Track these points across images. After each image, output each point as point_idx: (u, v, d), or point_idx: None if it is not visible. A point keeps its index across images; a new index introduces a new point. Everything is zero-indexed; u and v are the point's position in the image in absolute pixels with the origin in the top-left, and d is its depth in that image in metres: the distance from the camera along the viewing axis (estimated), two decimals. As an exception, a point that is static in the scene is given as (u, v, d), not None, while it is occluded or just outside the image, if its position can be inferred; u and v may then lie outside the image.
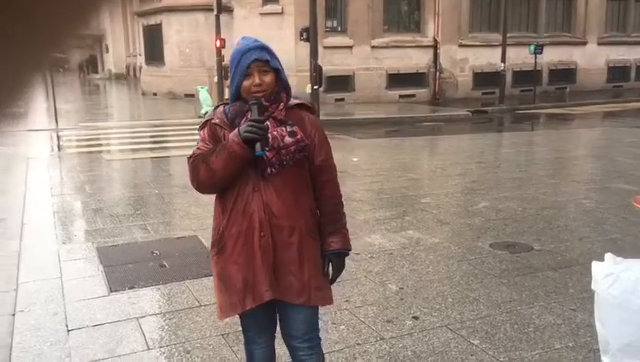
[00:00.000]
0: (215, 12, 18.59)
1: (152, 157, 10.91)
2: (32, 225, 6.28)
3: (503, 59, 20.53)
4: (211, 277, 2.54)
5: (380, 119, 17.69)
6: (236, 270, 2.35)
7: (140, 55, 29.92)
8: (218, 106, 2.54)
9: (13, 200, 7.48)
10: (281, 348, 2.82)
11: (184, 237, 5.79)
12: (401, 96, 22.86)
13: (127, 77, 41.63)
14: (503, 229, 5.91)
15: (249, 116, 2.31)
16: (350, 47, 22.04)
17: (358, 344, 3.55)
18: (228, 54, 2.80)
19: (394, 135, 14.73)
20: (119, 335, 3.69)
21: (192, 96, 18.64)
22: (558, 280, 4.51)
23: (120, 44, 42.97)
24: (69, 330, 3.76)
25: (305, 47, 16.64)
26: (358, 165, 9.69)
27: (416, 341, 3.57)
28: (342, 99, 21.94)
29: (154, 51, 26.04)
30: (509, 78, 23.09)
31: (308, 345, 2.53)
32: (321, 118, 15.20)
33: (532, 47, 20.95)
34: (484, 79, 24.05)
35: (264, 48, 2.34)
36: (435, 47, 23.38)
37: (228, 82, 2.50)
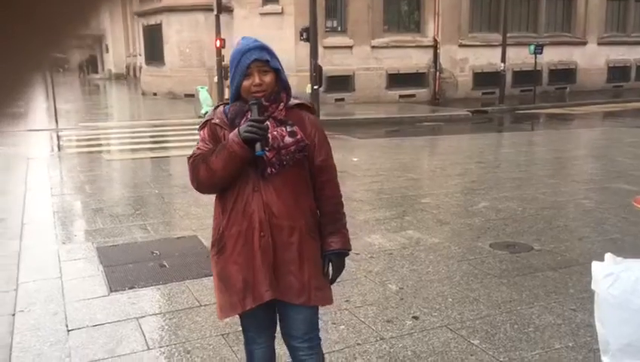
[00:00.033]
0: (215, 12, 18.59)
1: (151, 157, 10.91)
2: (32, 225, 6.28)
3: (503, 59, 20.53)
4: (211, 277, 2.55)
5: (380, 119, 17.68)
6: (236, 270, 2.35)
7: (140, 55, 29.92)
8: (218, 106, 2.55)
9: (13, 200, 7.49)
10: (281, 348, 2.82)
11: (184, 237, 5.80)
12: (401, 96, 22.86)
13: (127, 77, 41.63)
14: (502, 229, 5.91)
15: (249, 116, 2.31)
16: (350, 47, 22.04)
17: (358, 344, 3.55)
18: (228, 54, 2.80)
19: (394, 135, 14.73)
20: (119, 335, 3.69)
21: (192, 96, 18.65)
22: (558, 280, 4.51)
23: (120, 44, 42.97)
24: (68, 330, 3.76)
25: (305, 47, 16.64)
26: (358, 165, 9.69)
27: (416, 341, 3.57)
28: (342, 99, 21.94)
29: (154, 51, 26.04)
30: (509, 78, 23.09)
31: (308, 345, 2.53)
32: (321, 118, 15.20)
33: (532, 47, 20.95)
34: (484, 79, 24.05)
35: (264, 48, 2.34)
36: (435, 47, 23.39)
37: (228, 82, 2.51)
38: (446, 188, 7.91)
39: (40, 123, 15.63)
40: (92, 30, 42.69)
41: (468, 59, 24.25)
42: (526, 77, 23.51)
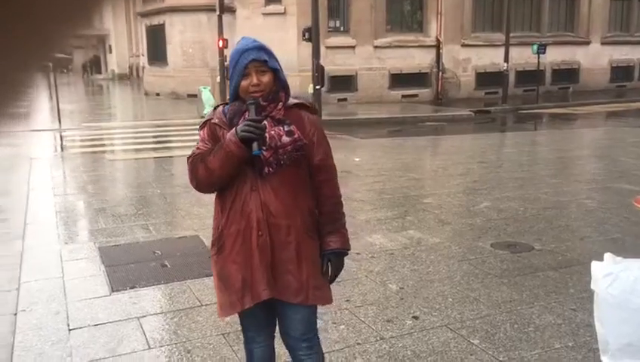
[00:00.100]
0: (217, 12, 18.63)
1: (154, 158, 10.93)
2: (34, 225, 6.30)
3: (506, 59, 20.50)
4: (212, 277, 2.56)
5: (383, 119, 17.68)
6: (235, 269, 2.37)
7: (143, 55, 29.98)
8: (218, 106, 2.56)
9: (16, 200, 7.52)
10: (281, 348, 2.83)
11: (185, 236, 5.81)
12: (403, 96, 22.86)
13: (131, 77, 41.71)
14: (504, 229, 5.91)
15: (247, 116, 2.32)
16: (353, 47, 22.04)
17: (358, 343, 3.56)
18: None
19: (396, 135, 14.73)
20: (120, 335, 3.71)
21: (195, 96, 18.70)
22: (559, 280, 4.51)
23: (123, 44, 43.06)
24: (70, 329, 3.78)
25: (307, 47, 16.65)
26: (359, 165, 9.70)
27: (416, 340, 3.58)
28: (344, 99, 21.95)
29: (157, 51, 26.10)
30: (511, 77, 23.05)
31: (306, 345, 2.53)
32: (324, 118, 15.20)
33: (535, 47, 20.93)
34: (487, 79, 24.02)
35: (262, 48, 2.35)
36: (437, 47, 23.38)
37: None
38: (448, 188, 7.91)
39: (43, 123, 15.68)
40: (95, 30, 42.86)
41: (471, 59, 24.22)
42: (529, 77, 23.48)
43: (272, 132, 2.31)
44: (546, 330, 3.67)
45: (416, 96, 23.13)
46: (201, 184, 2.42)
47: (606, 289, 2.87)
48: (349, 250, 2.56)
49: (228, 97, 2.51)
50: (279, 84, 2.40)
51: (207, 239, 5.35)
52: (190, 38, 24.15)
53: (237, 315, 2.56)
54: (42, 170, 9.40)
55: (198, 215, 6.45)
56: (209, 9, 21.45)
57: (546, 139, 13.85)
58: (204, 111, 15.95)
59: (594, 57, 26.94)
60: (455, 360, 3.35)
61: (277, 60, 2.40)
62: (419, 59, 23.22)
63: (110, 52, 45.97)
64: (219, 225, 2.43)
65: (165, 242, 5.65)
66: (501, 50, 21.01)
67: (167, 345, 3.59)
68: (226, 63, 18.07)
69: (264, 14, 21.22)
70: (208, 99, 16.66)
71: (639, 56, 28.30)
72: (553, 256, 5.06)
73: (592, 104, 21.54)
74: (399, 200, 7.24)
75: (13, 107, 0.40)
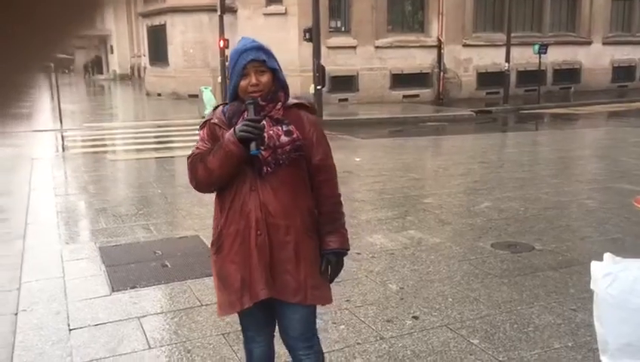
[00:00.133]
0: (219, 12, 18.64)
1: (155, 158, 10.95)
2: (35, 225, 6.31)
3: (507, 59, 20.49)
4: (212, 277, 2.56)
5: (384, 119, 17.68)
6: (234, 269, 2.37)
7: (145, 56, 30.02)
8: (218, 106, 2.57)
9: (17, 200, 7.53)
10: (281, 348, 2.83)
11: (186, 237, 5.82)
12: (404, 97, 22.85)
13: (132, 77, 41.75)
14: (504, 229, 5.91)
15: (246, 116, 2.33)
16: (354, 48, 22.05)
17: (358, 343, 3.56)
18: (232, 55, 2.81)
19: (397, 135, 14.73)
20: (120, 335, 3.71)
21: (196, 96, 18.71)
22: (559, 280, 4.51)
23: (125, 44, 43.11)
24: (70, 329, 3.78)
25: (309, 48, 16.65)
26: (360, 165, 9.70)
27: (416, 340, 3.58)
28: (345, 100, 21.95)
29: (158, 52, 26.12)
30: (513, 77, 23.03)
31: (306, 345, 2.54)
32: (325, 118, 15.23)
33: (536, 47, 20.92)
34: (488, 79, 24.00)
35: (261, 48, 2.36)
36: (439, 47, 23.37)
37: None
38: (448, 188, 7.91)
39: (45, 123, 15.70)
40: (97, 31, 42.91)
41: (472, 59, 24.21)
42: (530, 77, 23.47)
43: (271, 132, 2.32)
44: (545, 330, 3.67)
45: (417, 96, 23.12)
46: (200, 184, 2.43)
47: (605, 289, 2.87)
48: (348, 249, 2.55)
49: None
50: (278, 84, 2.40)
51: (207, 239, 5.35)
52: (191, 39, 24.17)
53: (237, 315, 2.56)
54: (43, 171, 9.42)
55: (198, 215, 6.46)
56: (210, 9, 21.47)
57: (547, 139, 13.84)
58: (205, 112, 15.96)
59: (595, 57, 26.91)
60: (454, 359, 3.35)
61: (276, 60, 2.41)
62: (420, 60, 23.22)
63: (112, 52, 46.03)
64: (218, 225, 2.44)
65: (166, 242, 5.66)
66: (502, 50, 21.00)
67: (168, 345, 3.59)
68: (227, 64, 18.19)
69: (265, 14, 21.23)
70: (209, 100, 16.68)
71: (641, 56, 28.29)
72: (553, 256, 5.06)
73: (593, 104, 21.52)
74: (400, 200, 7.24)
75: (16, 108, 0.40)
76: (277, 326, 2.59)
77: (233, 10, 21.56)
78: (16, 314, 4.07)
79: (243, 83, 2.33)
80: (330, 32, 21.21)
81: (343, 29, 22.11)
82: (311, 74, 16.23)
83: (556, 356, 3.37)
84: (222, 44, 18.45)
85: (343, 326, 3.78)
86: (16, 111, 0.40)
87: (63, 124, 15.28)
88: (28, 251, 5.39)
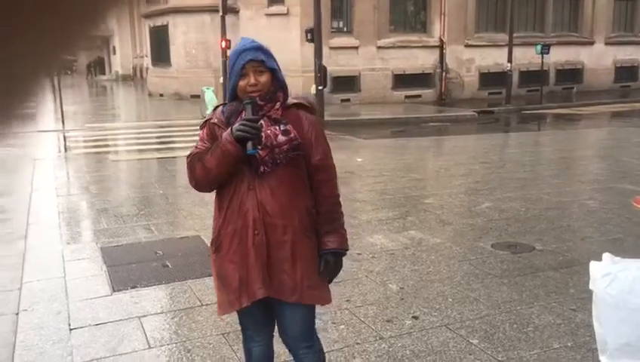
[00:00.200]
0: (221, 13, 18.65)
1: (157, 158, 10.96)
2: (37, 225, 6.33)
3: (510, 60, 20.47)
4: (212, 277, 2.58)
5: (386, 120, 17.68)
6: (232, 268, 2.38)
7: (147, 56, 30.06)
8: (218, 106, 2.59)
9: (19, 200, 7.55)
10: (280, 347, 2.84)
11: (187, 237, 5.83)
12: (406, 97, 22.85)
13: (134, 78, 41.81)
14: (505, 229, 5.91)
15: (244, 115, 2.34)
16: (356, 48, 22.05)
17: (358, 343, 3.57)
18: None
19: (399, 135, 14.73)
20: (121, 334, 3.72)
21: (198, 96, 18.71)
22: (559, 280, 4.51)
23: (127, 45, 43.16)
24: (71, 329, 3.80)
25: (311, 48, 16.64)
26: (362, 165, 9.70)
27: (416, 340, 3.59)
28: (347, 100, 21.96)
29: (160, 52, 26.15)
30: (515, 78, 23.00)
31: (305, 344, 2.55)
32: (327, 118, 15.23)
33: (539, 47, 20.88)
34: (491, 79, 23.98)
35: (259, 48, 2.37)
36: (441, 47, 23.36)
37: None
38: (449, 188, 7.91)
39: (47, 124, 15.73)
40: (100, 32, 42.94)
41: (474, 59, 24.20)
42: (533, 77, 23.44)
43: (268, 131, 2.33)
44: (545, 330, 3.68)
45: (419, 96, 23.11)
46: (199, 183, 2.44)
47: (604, 289, 2.88)
48: (347, 250, 2.55)
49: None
50: (277, 84, 2.41)
51: (208, 239, 5.35)
52: (193, 39, 24.19)
53: (237, 314, 2.57)
54: (45, 171, 9.44)
55: (199, 215, 6.47)
56: (212, 10, 21.48)
57: (550, 140, 13.82)
58: (207, 112, 15.98)
59: (598, 57, 26.87)
60: (454, 359, 3.35)
61: (275, 60, 2.42)
62: (422, 60, 23.21)
63: (114, 53, 46.10)
64: (217, 225, 2.45)
65: (167, 242, 5.67)
66: (505, 51, 20.98)
67: (168, 345, 3.60)
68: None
69: (267, 15, 21.25)
70: (211, 100, 16.69)
71: (643, 56, 28.24)
72: (554, 257, 5.06)
73: (596, 104, 21.48)
74: (401, 200, 7.25)
75: (22, 109, 0.40)
76: (277, 326, 2.60)
77: (235, 11, 21.58)
78: (17, 313, 4.09)
79: (242, 83, 2.35)
80: (332, 32, 21.22)
81: (345, 29, 22.11)
82: (313, 74, 16.24)
83: (555, 356, 3.37)
84: (224, 44, 18.45)
85: (342, 326, 3.79)
86: (21, 112, 0.41)
87: (65, 125, 15.31)
88: (29, 251, 5.41)
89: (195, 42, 24.16)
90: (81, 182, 8.71)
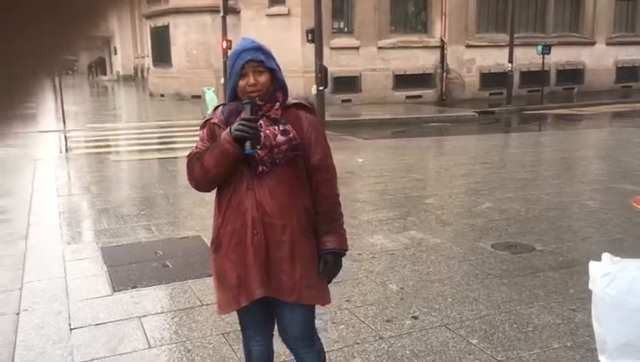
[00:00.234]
0: (221, 14, 18.66)
1: (158, 158, 10.98)
2: (38, 225, 6.34)
3: (511, 60, 20.46)
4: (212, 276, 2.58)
5: (387, 120, 17.69)
6: (231, 267, 2.39)
7: (148, 57, 30.08)
8: (218, 107, 2.59)
9: (20, 200, 7.57)
10: (280, 347, 2.85)
11: (187, 237, 5.84)
12: (407, 97, 22.86)
13: (135, 78, 41.85)
14: (505, 230, 5.92)
15: (243, 115, 2.35)
16: (357, 48, 22.06)
17: (357, 343, 3.57)
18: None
19: (400, 136, 14.73)
20: (121, 334, 3.73)
21: (199, 97, 18.72)
22: (559, 281, 4.52)
23: (128, 45, 43.21)
24: (71, 329, 3.80)
25: (312, 48, 16.63)
26: (362, 166, 9.70)
27: (415, 340, 3.59)
28: (348, 100, 21.97)
29: (161, 53, 26.18)
30: (516, 78, 23.02)
31: (305, 344, 2.55)
32: (327, 118, 15.23)
33: (540, 48, 20.88)
34: (492, 80, 23.99)
35: (259, 49, 2.38)
36: (442, 47, 23.37)
37: None
38: (450, 188, 7.92)
39: (48, 124, 15.75)
40: (101, 32, 42.99)
41: (475, 59, 24.21)
42: (533, 77, 23.44)
43: (267, 131, 2.34)
44: (544, 330, 3.68)
45: (420, 97, 23.12)
46: (198, 183, 2.45)
47: (604, 289, 2.88)
48: (346, 250, 2.54)
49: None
50: (277, 84, 2.42)
51: (208, 239, 5.35)
52: (194, 40, 24.21)
53: (237, 314, 2.58)
54: (46, 171, 9.46)
55: (200, 215, 6.48)
56: (213, 10, 21.51)
57: (550, 140, 13.82)
58: (208, 112, 15.97)
59: (599, 58, 26.86)
60: (453, 359, 3.36)
61: (275, 61, 2.43)
62: (423, 60, 23.22)
63: (115, 53, 46.15)
64: (217, 224, 2.46)
65: (167, 242, 5.68)
66: (505, 51, 20.99)
67: (168, 344, 3.61)
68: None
69: (268, 15, 21.26)
70: (211, 100, 16.69)
71: (644, 56, 28.22)
72: (554, 257, 5.07)
73: (597, 105, 21.47)
74: (401, 200, 7.25)
75: (22, 109, 0.40)
76: (277, 326, 2.60)
77: (236, 11, 21.60)
78: (17, 313, 4.10)
79: (241, 83, 2.36)
80: (333, 32, 21.23)
81: (345, 29, 22.13)
82: (314, 75, 16.24)
83: (555, 356, 3.37)
84: (225, 45, 18.47)
85: (342, 326, 3.79)
86: (22, 112, 0.41)
87: (67, 125, 15.32)
88: (30, 251, 5.42)
89: (196, 43, 24.18)
90: (82, 182, 8.72)
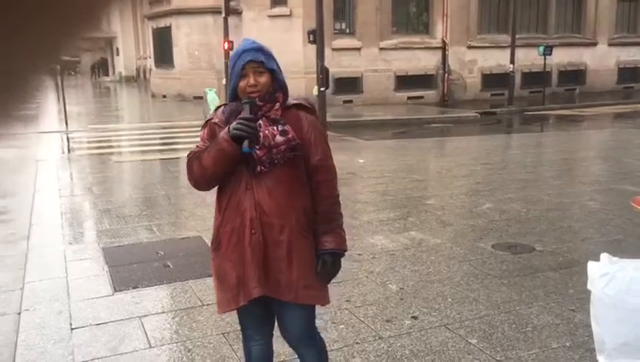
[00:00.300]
0: (223, 15, 18.70)
1: (160, 159, 11.00)
2: (39, 225, 6.36)
3: (512, 61, 20.47)
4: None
5: (388, 121, 17.70)
6: (230, 267, 2.41)
7: (150, 57, 30.13)
8: (220, 107, 2.61)
9: (22, 201, 7.59)
10: (280, 347, 2.86)
11: (188, 237, 5.86)
12: (409, 98, 22.86)
13: (138, 79, 41.90)
14: (505, 230, 5.92)
15: (242, 115, 2.37)
16: (358, 49, 22.07)
17: (357, 343, 3.59)
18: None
19: (401, 137, 14.74)
20: (122, 334, 3.75)
21: (201, 98, 18.74)
22: (559, 281, 4.52)
23: (130, 46, 43.28)
24: (72, 329, 3.82)
25: (313, 49, 16.64)
26: (364, 166, 9.72)
27: (415, 340, 3.60)
28: (350, 101, 21.98)
29: (163, 54, 26.23)
30: (518, 79, 23.01)
31: (306, 343, 2.57)
32: (329, 119, 15.25)
33: (541, 49, 20.88)
34: (493, 80, 23.99)
35: (260, 49, 2.40)
36: (443, 48, 23.37)
37: None
38: (451, 189, 7.93)
39: (50, 125, 15.79)
40: (103, 33, 43.10)
41: (477, 60, 24.20)
42: (535, 78, 23.43)
43: (266, 131, 2.35)
44: (543, 330, 3.69)
45: (421, 97, 23.12)
46: (197, 182, 2.47)
47: (602, 289, 2.89)
48: (345, 250, 2.54)
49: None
50: (277, 84, 2.44)
51: (209, 240, 5.35)
52: (196, 41, 24.25)
53: (237, 314, 2.59)
54: (49, 172, 9.48)
55: (201, 216, 6.49)
56: (215, 11, 21.54)
57: (552, 141, 13.82)
58: (210, 113, 15.99)
59: (601, 58, 26.84)
60: (452, 359, 3.37)
61: (276, 61, 2.44)
62: (424, 61, 23.22)
63: (117, 54, 46.22)
64: (217, 224, 2.48)
65: (168, 243, 5.70)
66: (507, 52, 20.99)
67: (168, 344, 3.63)
68: (231, 65, 18.25)
69: (270, 16, 21.29)
70: (213, 101, 16.71)
71: (646, 57, 28.19)
72: (554, 257, 5.07)
73: (598, 105, 21.46)
74: (402, 201, 7.26)
75: (22, 109, 0.41)
76: (278, 326, 2.62)
77: (238, 12, 21.63)
78: (19, 313, 4.12)
79: (242, 83, 2.37)
80: (334, 33, 21.25)
81: (347, 30, 22.14)
82: (315, 75, 16.25)
83: (554, 356, 3.38)
84: (226, 45, 18.50)
85: (342, 326, 3.80)
86: (22, 112, 0.41)
87: (69, 126, 15.36)
88: (32, 251, 5.44)
89: (198, 44, 24.22)
90: (84, 182, 8.75)
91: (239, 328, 2.70)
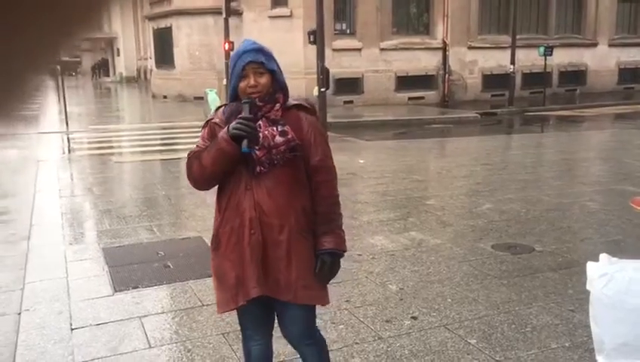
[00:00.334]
0: (224, 15, 18.71)
1: (160, 160, 11.01)
2: (40, 226, 6.37)
3: (513, 61, 20.46)
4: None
5: (389, 121, 17.70)
6: (229, 266, 2.41)
7: (151, 58, 30.15)
8: (220, 107, 2.62)
9: (22, 201, 7.60)
10: (280, 347, 2.87)
11: (189, 238, 5.86)
12: (409, 99, 22.85)
13: (138, 80, 41.91)
14: (505, 231, 5.93)
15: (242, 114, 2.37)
16: (359, 50, 22.08)
17: (357, 343, 3.59)
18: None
19: (402, 137, 14.75)
20: (122, 334, 3.76)
21: (202, 98, 18.76)
22: (558, 281, 4.53)
23: (131, 47, 43.28)
24: (72, 329, 3.83)
25: (314, 50, 16.65)
26: (364, 167, 9.73)
27: (414, 340, 3.61)
28: (350, 102, 21.98)
29: (164, 54, 26.24)
30: (518, 80, 23.00)
31: (307, 342, 2.58)
32: (330, 120, 15.26)
33: (542, 49, 20.87)
34: (494, 81, 23.98)
35: (260, 50, 2.41)
36: (444, 49, 23.37)
37: None
38: (451, 189, 7.93)
39: (51, 125, 15.80)
40: (104, 34, 43.12)
41: (477, 61, 24.20)
42: (536, 79, 23.43)
43: (266, 132, 2.36)
44: (543, 330, 3.69)
45: (422, 98, 23.12)
46: (196, 181, 2.48)
47: (601, 289, 2.90)
48: (344, 251, 2.54)
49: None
50: (277, 85, 2.44)
51: (209, 240, 5.38)
52: (197, 41, 24.26)
53: (236, 314, 2.60)
54: (49, 172, 9.49)
55: (201, 216, 6.50)
56: (215, 12, 21.55)
57: (552, 142, 13.82)
58: (210, 114, 15.99)
59: (601, 59, 26.83)
60: (452, 359, 3.38)
61: (276, 62, 2.45)
62: (425, 62, 23.22)
63: (118, 55, 46.23)
64: (217, 224, 2.49)
65: (169, 243, 5.71)
66: (508, 52, 20.98)
67: (168, 344, 3.63)
68: (231, 66, 18.26)
69: (270, 17, 21.30)
70: (214, 101, 16.71)
71: (647, 57, 28.17)
72: (553, 258, 5.08)
73: (599, 106, 21.45)
74: (402, 201, 7.27)
75: (23, 109, 0.41)
76: (278, 325, 2.62)
77: (238, 13, 21.63)
78: (19, 313, 4.13)
79: (242, 84, 2.38)
80: (335, 34, 21.25)
81: (348, 31, 22.14)
82: (316, 76, 16.26)
83: (553, 356, 3.38)
84: (227, 46, 18.51)
85: (342, 326, 3.81)
86: (23, 112, 0.42)
87: (69, 127, 15.37)
88: (32, 251, 5.45)
89: (199, 44, 24.23)
90: (85, 183, 8.76)
91: (239, 328, 2.70)
